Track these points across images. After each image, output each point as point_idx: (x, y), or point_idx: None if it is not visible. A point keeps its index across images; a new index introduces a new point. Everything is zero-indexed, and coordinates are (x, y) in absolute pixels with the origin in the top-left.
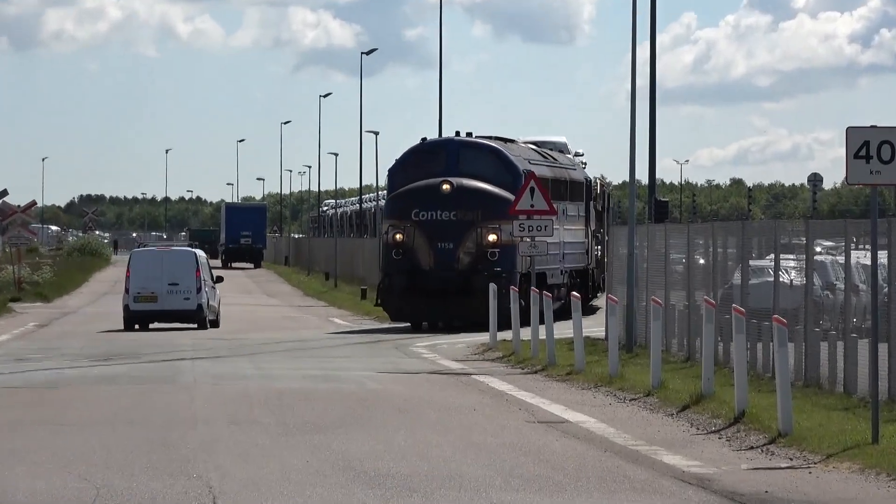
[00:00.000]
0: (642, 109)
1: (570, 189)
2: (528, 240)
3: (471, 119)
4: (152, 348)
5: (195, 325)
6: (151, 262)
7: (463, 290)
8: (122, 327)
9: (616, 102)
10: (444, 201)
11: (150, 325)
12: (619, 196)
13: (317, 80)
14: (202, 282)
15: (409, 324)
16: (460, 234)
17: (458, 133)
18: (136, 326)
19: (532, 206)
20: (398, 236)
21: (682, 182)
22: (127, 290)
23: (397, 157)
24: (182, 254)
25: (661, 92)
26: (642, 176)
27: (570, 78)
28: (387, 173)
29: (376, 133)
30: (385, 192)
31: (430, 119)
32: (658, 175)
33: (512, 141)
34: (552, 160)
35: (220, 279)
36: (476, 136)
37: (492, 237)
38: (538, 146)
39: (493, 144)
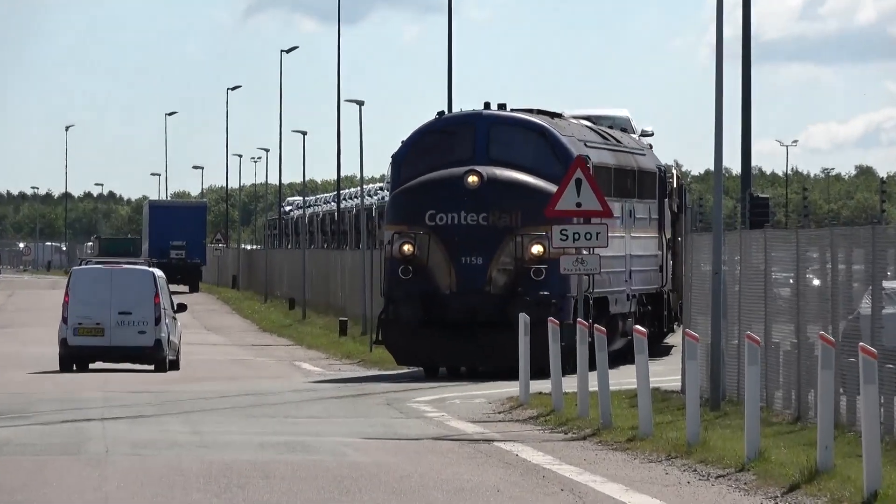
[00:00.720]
0: (731, 70)
1: (638, 182)
2: (573, 253)
3: (493, 85)
4: (47, 404)
5: (151, 367)
6: (97, 284)
7: (496, 321)
8: (57, 367)
9: (695, 61)
10: (471, 199)
11: (91, 365)
12: (699, 191)
13: (277, 29)
14: (162, 310)
15: (420, 368)
16: (493, 244)
17: (487, 105)
18: (75, 367)
19: (578, 204)
20: (406, 248)
21: (789, 171)
22: (65, 320)
23: (404, 138)
24: (137, 274)
25: (757, 46)
26: (732, 163)
27: (629, 27)
28: (390, 161)
29: (360, 103)
30: (383, 185)
31: (436, 84)
32: (755, 162)
33: (559, 116)
34: (615, 142)
35: (181, 307)
36: (511, 110)
37: (536, 249)
38: (593, 122)
39: (537, 121)
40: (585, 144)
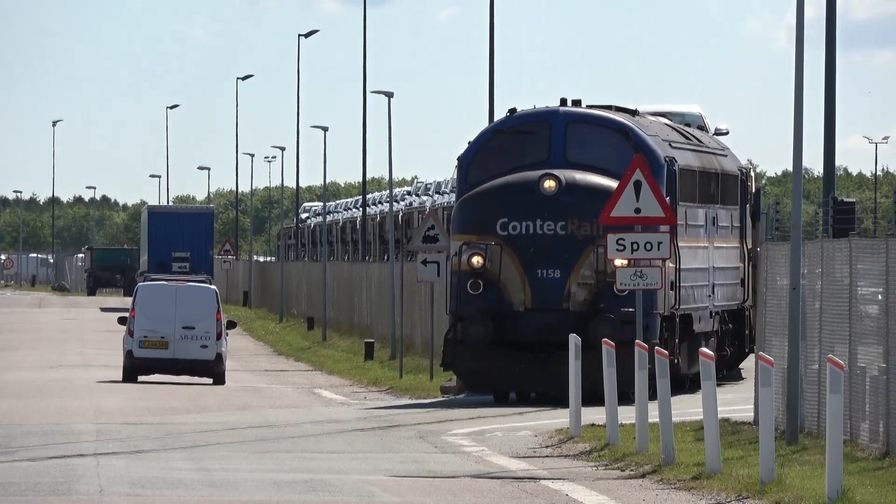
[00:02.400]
0: (813, 57)
1: (721, 186)
2: (630, 266)
3: (542, 75)
4: (34, 437)
5: (210, 380)
6: (163, 300)
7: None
8: (121, 378)
9: (771, 46)
10: (547, 206)
11: (141, 378)
12: (775, 194)
13: (294, 10)
14: (222, 326)
15: (490, 394)
16: (572, 255)
17: (564, 101)
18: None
19: (638, 210)
20: (476, 260)
21: (878, 172)
22: (131, 333)
23: (472, 138)
24: (200, 291)
25: (843, 28)
26: (813, 163)
27: (696, 8)
28: (456, 163)
29: (389, 95)
30: (412, 189)
31: (476, 73)
32: (840, 161)
33: (636, 113)
34: (696, 142)
35: (231, 324)
36: (587, 106)
37: (619, 261)
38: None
39: (620, 119)
40: (671, 145)
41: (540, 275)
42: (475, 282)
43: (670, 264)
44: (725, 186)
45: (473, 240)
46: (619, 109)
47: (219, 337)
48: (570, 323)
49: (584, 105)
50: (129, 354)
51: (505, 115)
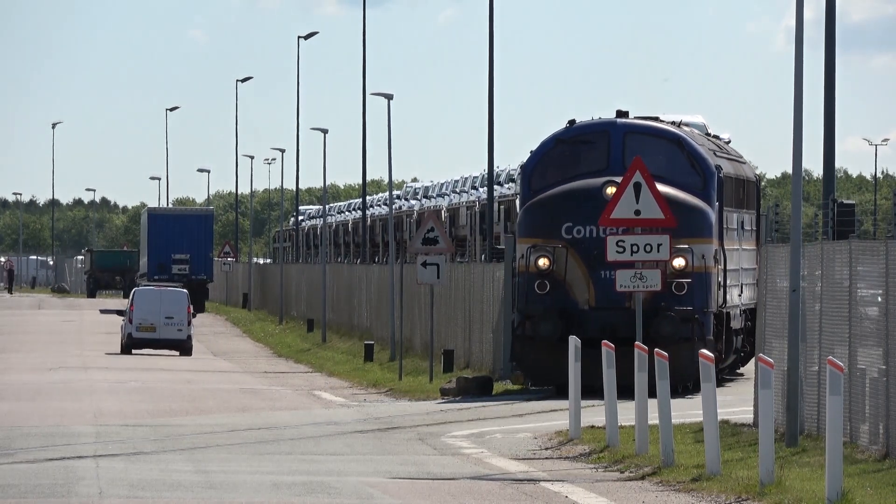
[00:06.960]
0: (813, 59)
1: (746, 192)
2: (630, 267)
3: (541, 77)
4: (33, 439)
5: (178, 352)
6: (152, 299)
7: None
8: (119, 351)
9: (769, 48)
10: None
11: (134, 351)
12: (775, 196)
13: (293, 12)
14: (191, 317)
15: (552, 387)
16: None
17: (619, 113)
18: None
19: (637, 212)
20: (543, 262)
21: (878, 174)
22: (130, 321)
23: (534, 148)
24: (177, 293)
25: (842, 30)
26: (812, 165)
27: (695, 10)
28: (519, 171)
29: (388, 97)
30: (418, 193)
31: (476, 75)
32: (839, 163)
33: (679, 124)
34: (726, 151)
35: (194, 315)
36: (635, 118)
37: (679, 262)
38: None
39: (673, 130)
40: (715, 154)
41: (603, 276)
42: (542, 282)
43: (718, 266)
44: (748, 192)
45: (539, 243)
46: (661, 120)
47: (189, 324)
48: (632, 320)
49: (631, 116)
50: (128, 336)
51: (564, 127)
